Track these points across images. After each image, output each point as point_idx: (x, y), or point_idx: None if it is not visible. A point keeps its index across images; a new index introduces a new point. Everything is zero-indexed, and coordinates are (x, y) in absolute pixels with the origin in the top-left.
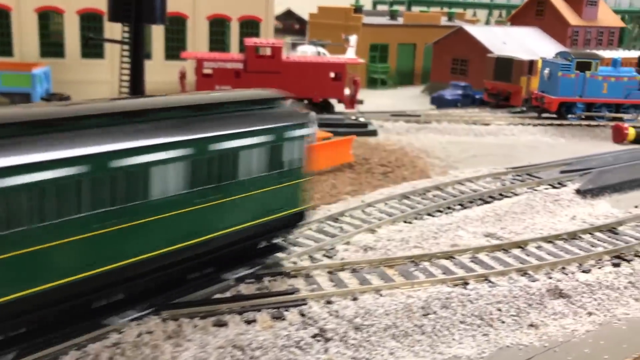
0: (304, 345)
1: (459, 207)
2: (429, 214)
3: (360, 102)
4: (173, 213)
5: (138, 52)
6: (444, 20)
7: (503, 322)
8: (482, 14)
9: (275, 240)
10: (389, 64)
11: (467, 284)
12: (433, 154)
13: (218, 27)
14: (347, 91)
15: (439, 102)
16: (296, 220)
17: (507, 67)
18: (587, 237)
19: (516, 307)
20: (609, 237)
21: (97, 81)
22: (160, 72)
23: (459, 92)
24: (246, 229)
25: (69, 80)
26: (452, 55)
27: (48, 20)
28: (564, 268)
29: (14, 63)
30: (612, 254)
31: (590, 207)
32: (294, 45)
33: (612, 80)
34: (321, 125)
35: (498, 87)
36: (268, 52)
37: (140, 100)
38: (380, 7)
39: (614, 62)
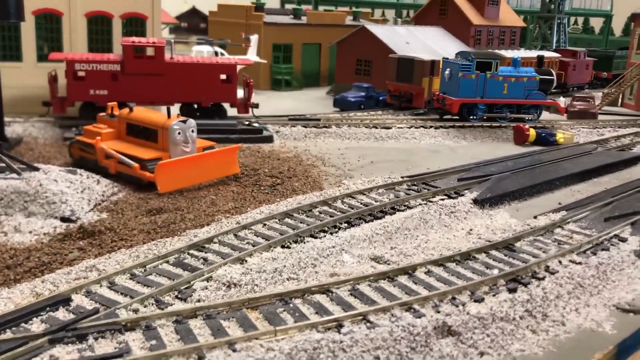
0: None
1: (345, 225)
2: (312, 235)
3: (255, 105)
4: None
5: None
6: (349, 20)
7: None
8: (391, 14)
9: None
10: (293, 65)
11: (341, 326)
12: (329, 162)
13: (98, 25)
14: (240, 94)
15: (342, 104)
16: None
17: (408, 68)
18: (482, 256)
19: (397, 353)
20: (506, 255)
21: None
22: (32, 76)
23: (362, 93)
24: None
25: None
26: (356, 56)
27: None
28: (454, 298)
29: None
30: (508, 277)
31: (488, 219)
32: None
33: (512, 80)
34: (210, 131)
35: (400, 88)
36: (148, 52)
37: None
38: (288, 6)
39: (514, 62)
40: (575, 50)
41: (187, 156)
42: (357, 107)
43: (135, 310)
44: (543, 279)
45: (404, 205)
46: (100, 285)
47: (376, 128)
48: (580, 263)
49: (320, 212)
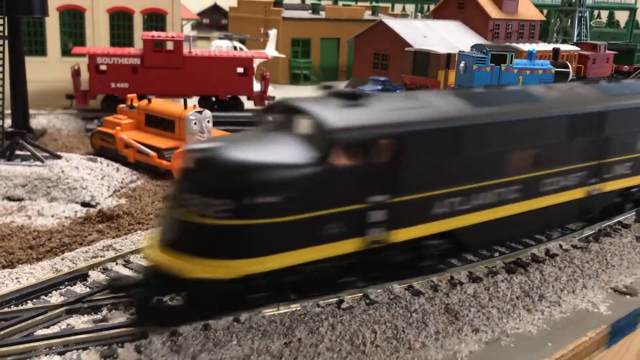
0: None
1: None
2: None
3: (272, 98)
4: None
5: (16, 48)
6: (367, 15)
7: None
8: (411, 8)
9: None
10: (312, 59)
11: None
12: None
13: (120, 20)
14: (257, 87)
15: None
16: None
17: (424, 61)
18: None
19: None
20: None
21: None
22: (57, 70)
23: (378, 87)
24: None
25: None
26: (373, 50)
27: None
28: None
29: None
30: (508, 260)
31: None
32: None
33: (528, 73)
34: (227, 123)
35: (416, 81)
36: (167, 46)
37: None
38: (308, 1)
39: (529, 55)
40: (595, 43)
41: None
42: None
43: None
44: (543, 261)
45: None
46: (116, 263)
47: None
48: (581, 248)
49: None
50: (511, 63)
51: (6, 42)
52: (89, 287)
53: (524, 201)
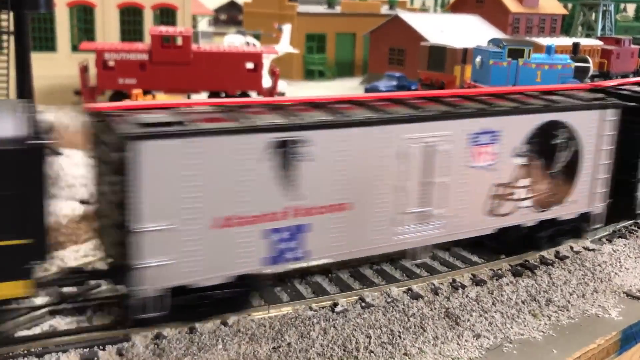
0: None
1: None
2: None
3: (282, 94)
4: None
5: (22, 44)
6: (385, 9)
7: None
8: (430, 2)
9: None
10: (327, 55)
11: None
12: None
13: (130, 16)
14: (268, 83)
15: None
16: None
17: (440, 56)
18: None
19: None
20: None
21: None
22: (67, 65)
23: (394, 83)
24: None
25: None
26: (389, 45)
27: None
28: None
29: None
30: (515, 262)
31: None
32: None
33: (546, 68)
34: None
35: (432, 77)
36: (176, 41)
37: None
38: None
39: (548, 49)
40: (620, 38)
41: None
42: None
43: None
44: (552, 264)
45: None
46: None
47: None
48: (593, 250)
49: None
50: (529, 58)
51: (11, 38)
52: (77, 287)
53: None
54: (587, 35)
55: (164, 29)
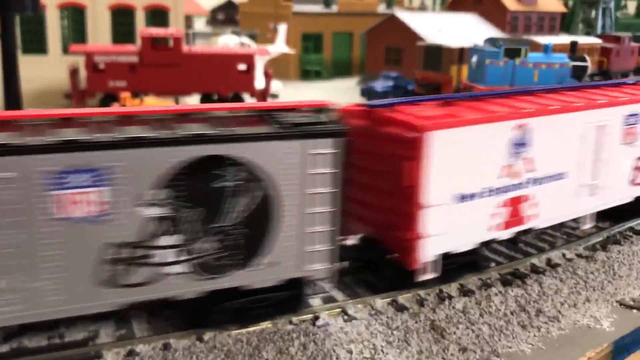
0: None
1: None
2: None
3: (275, 96)
4: None
5: (8, 46)
6: (382, 8)
7: None
8: (429, 1)
9: None
10: (323, 55)
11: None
12: None
13: (122, 17)
14: (261, 84)
15: (369, 94)
16: None
17: (436, 56)
18: None
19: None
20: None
21: None
22: (57, 68)
23: (390, 83)
24: None
25: None
26: (386, 44)
27: None
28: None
29: None
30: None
31: None
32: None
33: (543, 67)
34: None
35: (428, 77)
36: (167, 43)
37: None
38: None
39: (545, 48)
40: (619, 35)
41: None
42: (385, 96)
43: None
44: (543, 272)
45: None
46: None
47: None
48: (586, 257)
49: None
50: (526, 57)
51: None
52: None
53: None
54: (587, 33)
55: (155, 31)
